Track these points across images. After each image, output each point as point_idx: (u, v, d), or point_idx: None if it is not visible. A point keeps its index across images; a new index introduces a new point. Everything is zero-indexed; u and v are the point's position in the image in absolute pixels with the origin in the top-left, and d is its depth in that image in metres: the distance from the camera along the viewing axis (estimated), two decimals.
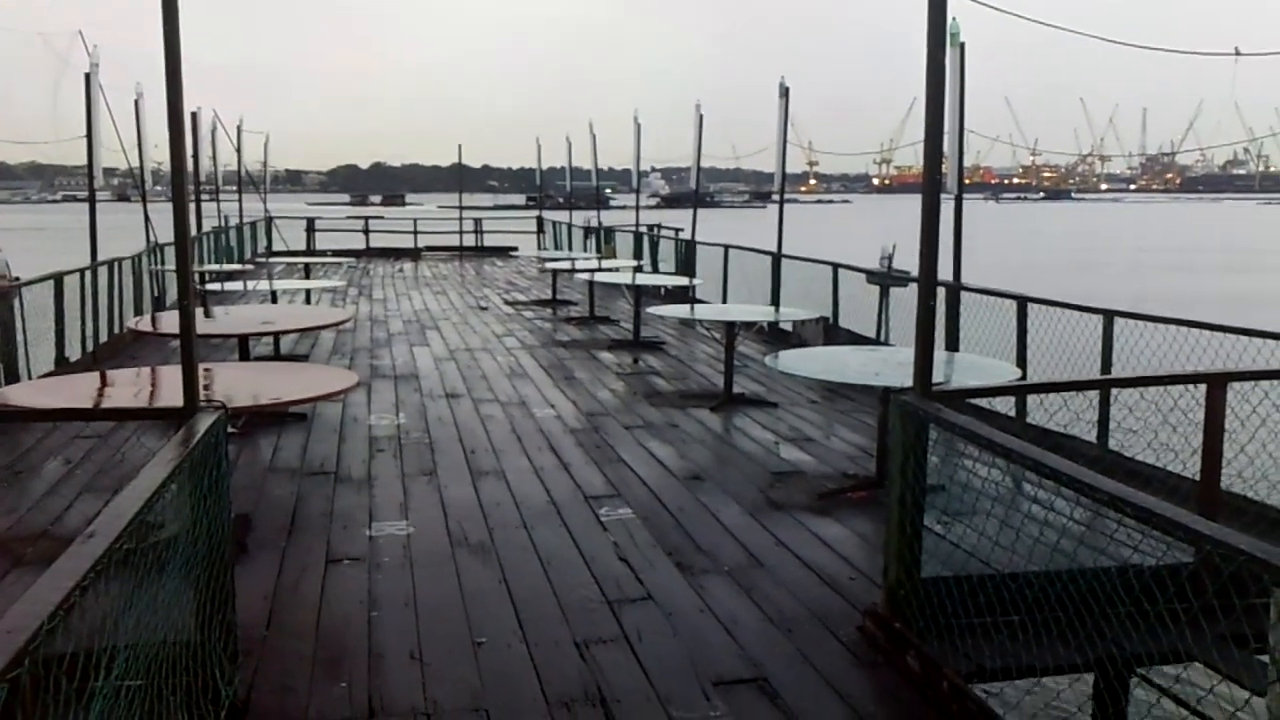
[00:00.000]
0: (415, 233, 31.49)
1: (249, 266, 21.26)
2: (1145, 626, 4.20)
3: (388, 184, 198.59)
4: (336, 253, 29.19)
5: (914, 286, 9.55)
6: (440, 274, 24.75)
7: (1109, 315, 7.75)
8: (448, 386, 10.42)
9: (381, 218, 37.27)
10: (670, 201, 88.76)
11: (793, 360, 7.81)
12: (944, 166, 9.59)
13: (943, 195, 9.48)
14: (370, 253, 30.37)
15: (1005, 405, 8.58)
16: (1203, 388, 5.21)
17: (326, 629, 4.74)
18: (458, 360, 12.00)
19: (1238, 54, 5.25)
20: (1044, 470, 3.54)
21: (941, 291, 9.52)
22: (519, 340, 13.72)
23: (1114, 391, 7.38)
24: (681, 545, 5.87)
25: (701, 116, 16.62)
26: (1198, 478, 5.34)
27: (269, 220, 29.85)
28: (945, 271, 9.53)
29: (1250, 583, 2.80)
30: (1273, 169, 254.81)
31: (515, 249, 31.79)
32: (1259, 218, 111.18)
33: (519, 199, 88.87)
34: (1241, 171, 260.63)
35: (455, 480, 7.10)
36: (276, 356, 11.75)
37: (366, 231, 31.66)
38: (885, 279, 11.30)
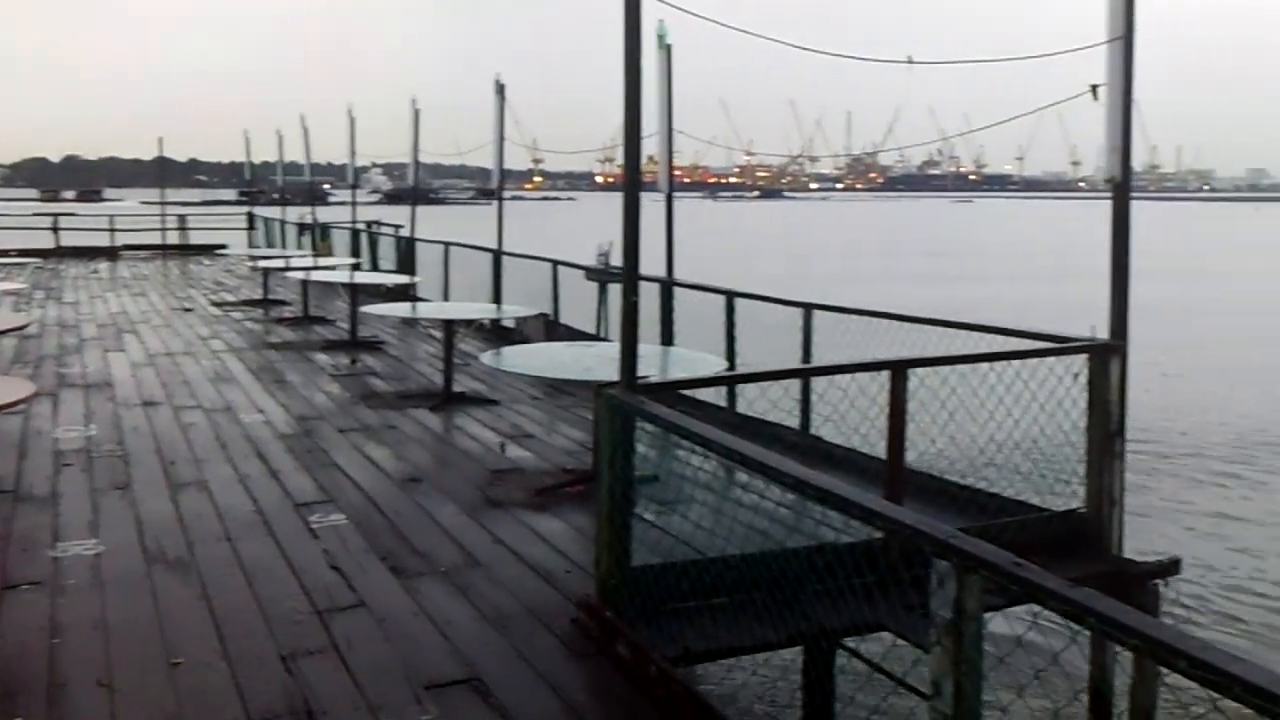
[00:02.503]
0: (113, 230, 29.34)
1: None
2: (846, 601, 4.48)
3: (83, 178, 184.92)
4: (20, 252, 26.84)
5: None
6: (140, 274, 23.23)
7: (808, 308, 8.18)
8: (145, 394, 9.78)
9: (74, 214, 34.57)
10: (393, 198, 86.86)
11: (511, 357, 7.83)
12: (653, 165, 9.86)
13: (655, 194, 9.83)
14: (61, 252, 28.05)
15: (721, 396, 8.88)
16: (887, 374, 5.58)
17: None
18: (157, 366, 11.29)
19: (910, 62, 5.67)
20: (736, 457, 3.69)
21: (656, 287, 9.85)
22: (226, 343, 13.06)
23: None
24: (396, 549, 5.76)
25: (418, 112, 16.38)
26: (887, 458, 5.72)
27: None
28: (660, 268, 9.88)
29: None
30: (964, 169, 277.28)
31: (224, 247, 30.22)
32: (951, 218, 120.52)
33: (230, 194, 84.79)
34: (936, 172, 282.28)
35: (152, 493, 6.68)
36: None
37: (56, 229, 29.22)
38: (602, 275, 11.51)
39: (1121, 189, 5.54)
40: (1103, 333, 5.66)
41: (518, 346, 9.36)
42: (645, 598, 4.54)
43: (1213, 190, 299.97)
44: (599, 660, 4.47)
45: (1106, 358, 5.61)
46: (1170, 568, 5.82)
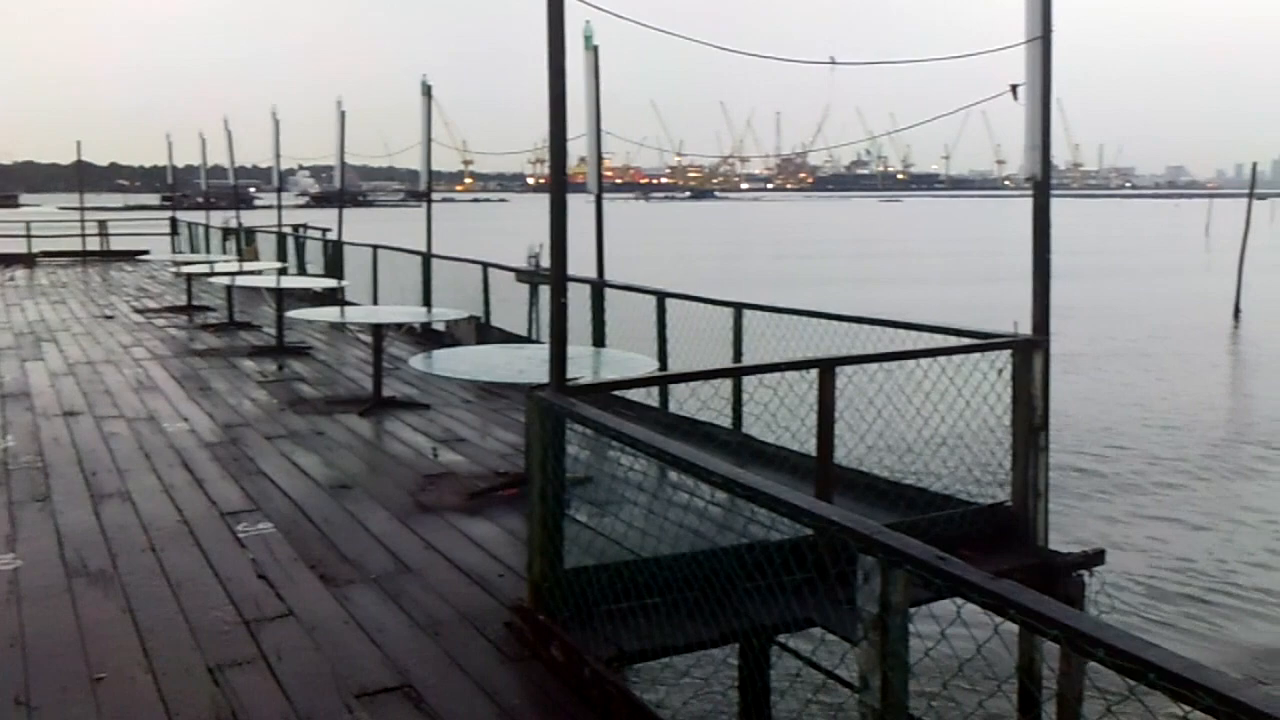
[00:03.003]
0: (29, 236, 28.61)
1: None
2: (778, 597, 4.51)
3: None
4: None
5: (570, 284, 9.80)
6: (59, 281, 22.68)
7: (738, 308, 8.23)
8: (65, 404, 9.55)
9: None
10: (320, 200, 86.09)
11: (442, 361, 7.77)
12: (582, 166, 9.86)
13: (586, 195, 9.82)
14: None
15: (654, 397, 8.90)
16: (815, 372, 5.62)
17: None
18: (78, 375, 11.03)
19: (833, 63, 5.73)
20: (666, 458, 3.70)
21: (587, 289, 9.84)
22: (149, 350, 12.79)
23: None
24: (326, 557, 5.68)
25: (344, 113, 16.15)
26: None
27: None
28: (591, 269, 9.88)
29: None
30: (892, 169, 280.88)
31: (146, 252, 29.61)
32: (880, 218, 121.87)
33: (153, 199, 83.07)
34: (865, 171, 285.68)
35: (73, 505, 6.52)
36: None
37: None
38: (533, 277, 11.47)
39: (1042, 187, 5.64)
40: (1025, 329, 5.76)
41: (449, 350, 9.29)
42: (579, 600, 4.53)
43: (1134, 187, 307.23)
44: (533, 664, 4.45)
45: (1029, 353, 5.71)
46: (1094, 558, 5.94)
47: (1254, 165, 34.55)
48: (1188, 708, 1.93)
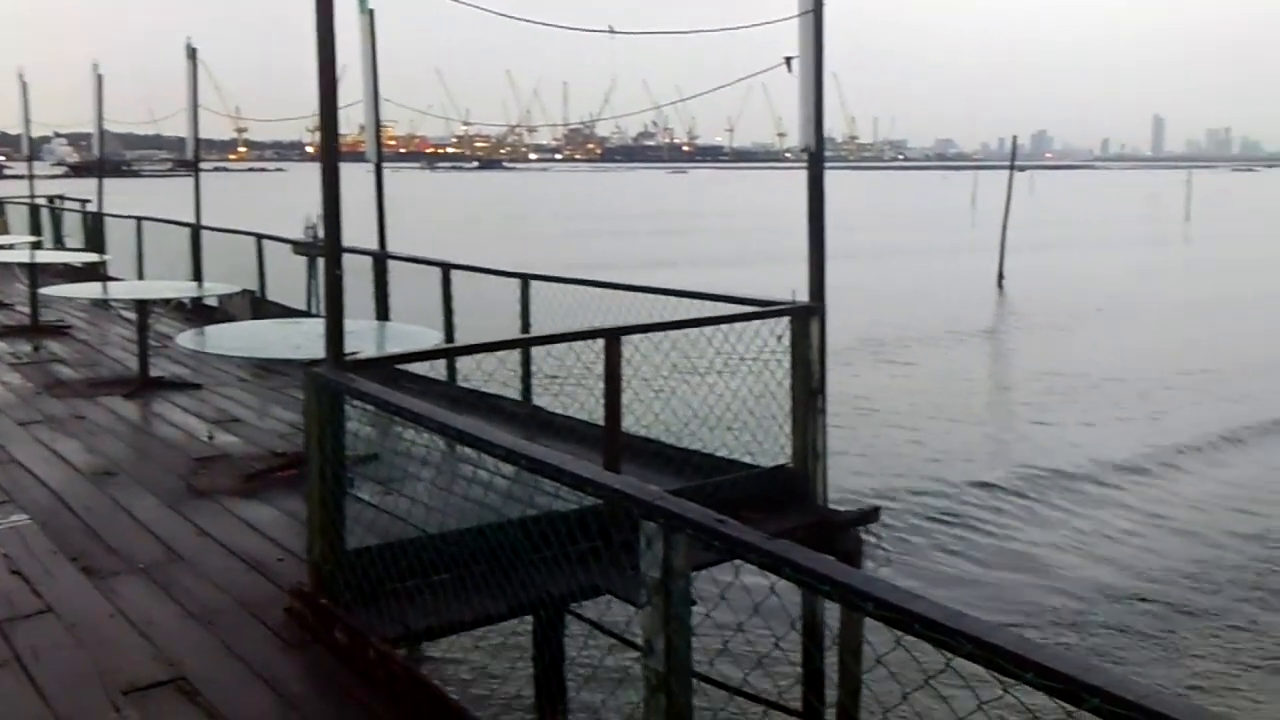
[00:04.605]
0: None
1: None
2: (570, 567, 4.50)
3: None
4: None
5: (352, 256, 9.49)
6: None
7: (525, 279, 8.16)
8: None
9: None
10: (80, 170, 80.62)
11: (214, 338, 7.42)
12: (364, 135, 9.55)
13: (366, 164, 9.53)
14: None
15: (443, 371, 8.74)
16: (601, 342, 5.64)
17: None
18: None
19: (612, 31, 5.73)
20: (450, 431, 3.62)
21: (369, 260, 9.57)
22: None
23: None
24: (89, 548, 5.33)
25: (101, 77, 15.17)
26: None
27: None
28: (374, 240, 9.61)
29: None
30: (678, 140, 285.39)
31: None
32: (667, 188, 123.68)
33: None
34: (652, 143, 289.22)
35: None
36: None
37: None
38: (311, 249, 11.06)
39: (816, 158, 5.80)
40: (803, 296, 5.93)
41: (221, 326, 8.90)
42: (363, 580, 4.40)
43: (906, 159, 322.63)
44: (315, 649, 4.30)
45: (806, 320, 5.88)
46: (870, 515, 6.22)
47: (1014, 139, 36.71)
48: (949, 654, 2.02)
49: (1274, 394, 16.16)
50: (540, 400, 7.98)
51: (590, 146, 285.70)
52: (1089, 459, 12.73)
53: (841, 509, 6.16)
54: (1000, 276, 30.32)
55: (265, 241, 12.45)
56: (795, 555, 2.33)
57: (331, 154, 4.31)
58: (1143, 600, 8.84)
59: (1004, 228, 30.59)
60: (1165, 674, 7.51)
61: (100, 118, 15.55)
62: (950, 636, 2.00)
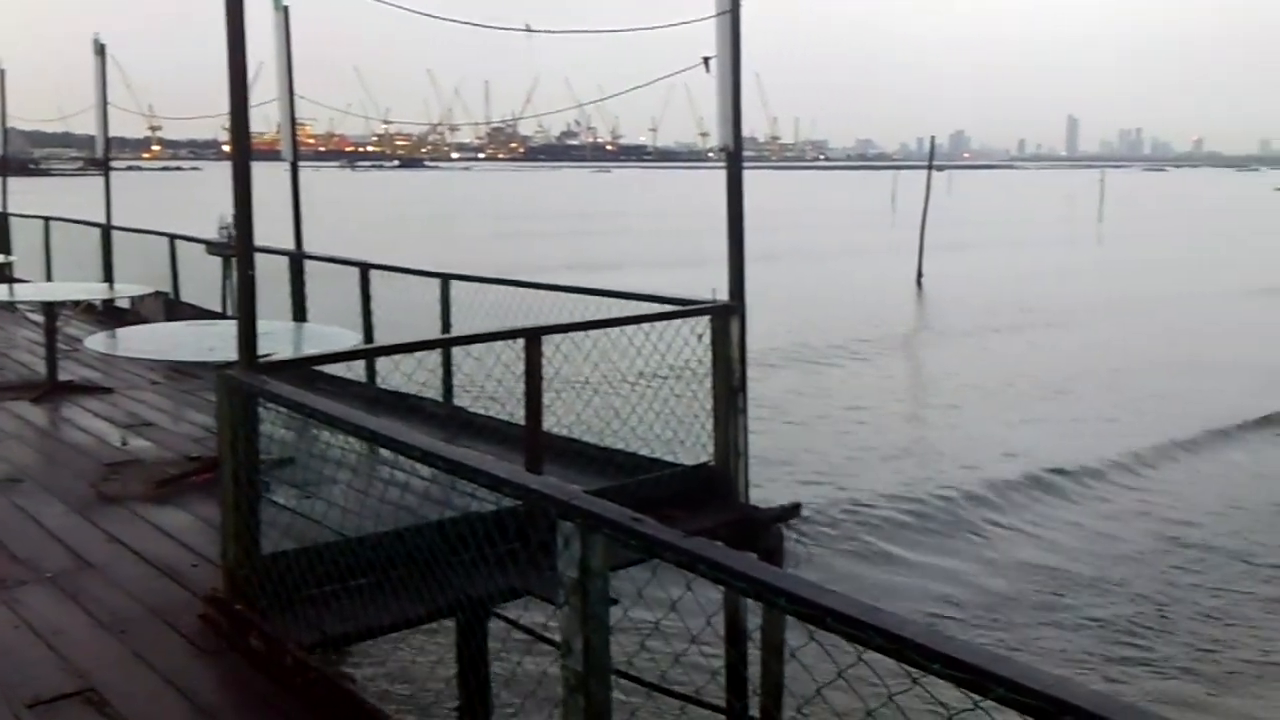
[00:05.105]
0: None
1: None
2: (494, 569, 4.48)
3: None
4: None
5: (269, 256, 9.33)
6: None
7: (445, 279, 8.09)
8: None
9: None
10: None
11: (126, 340, 7.25)
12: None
13: (283, 163, 9.37)
14: None
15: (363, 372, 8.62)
16: (521, 342, 5.61)
17: None
18: None
19: (529, 30, 5.71)
20: (364, 433, 3.58)
21: (285, 261, 9.42)
22: None
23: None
24: None
25: (3, 71, 14.76)
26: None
27: None
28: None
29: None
30: (601, 140, 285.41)
31: None
32: (593, 189, 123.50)
33: None
34: (575, 142, 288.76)
35: None
36: None
37: None
38: (225, 249, 10.84)
39: (734, 158, 5.84)
40: (723, 295, 5.97)
41: (133, 328, 8.69)
42: (278, 585, 4.33)
43: (828, 159, 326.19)
44: (230, 656, 4.22)
45: (726, 318, 5.92)
46: (791, 511, 6.28)
47: (932, 139, 37.30)
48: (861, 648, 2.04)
49: (1188, 393, 16.62)
50: (463, 401, 7.92)
51: (513, 145, 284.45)
52: (1003, 454, 13.01)
53: (763, 506, 6.20)
54: (919, 275, 30.79)
55: (179, 242, 12.18)
56: (710, 553, 2.34)
57: (243, 152, 4.23)
58: (1056, 596, 9.05)
59: (922, 227, 31.05)
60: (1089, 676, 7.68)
61: (3, 114, 15.12)
62: (861, 630, 2.02)
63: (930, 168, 33.12)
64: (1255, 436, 14.14)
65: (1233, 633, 8.27)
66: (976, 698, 1.92)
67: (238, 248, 4.36)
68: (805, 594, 2.13)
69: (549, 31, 5.53)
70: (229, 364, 4.50)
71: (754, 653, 5.61)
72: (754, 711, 5.59)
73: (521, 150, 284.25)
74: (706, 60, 5.68)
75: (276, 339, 6.44)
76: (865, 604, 2.12)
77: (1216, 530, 10.49)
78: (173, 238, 12.20)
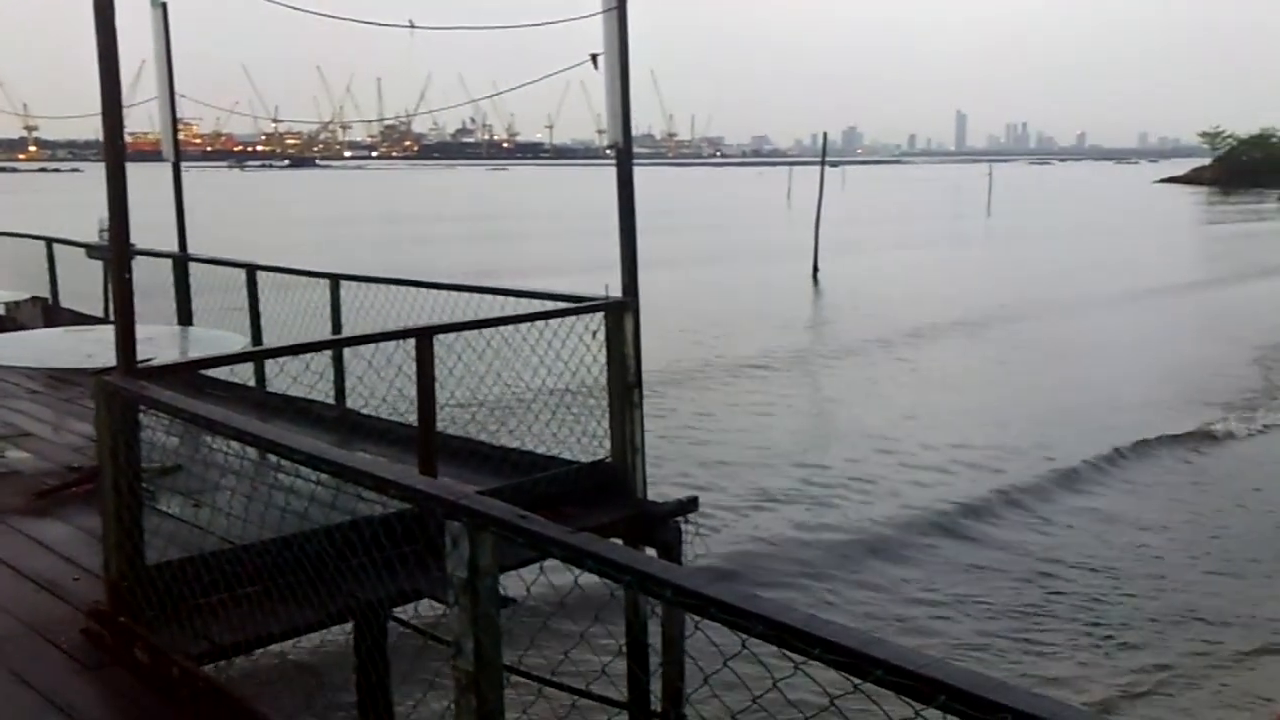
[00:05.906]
0: None
1: None
2: (387, 571, 4.42)
3: None
4: None
5: (155, 260, 9.06)
6: None
7: (334, 279, 7.97)
8: None
9: None
10: None
11: None
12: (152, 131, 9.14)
13: (162, 163, 9.11)
14: None
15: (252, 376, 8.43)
16: (413, 341, 5.55)
17: None
18: None
19: (412, 26, 5.65)
20: (247, 438, 3.51)
21: (168, 263, 9.17)
22: None
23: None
24: None
25: None
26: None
27: None
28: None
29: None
30: (498, 137, 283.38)
31: None
32: (489, 187, 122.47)
33: None
34: (470, 139, 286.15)
35: None
36: None
37: None
38: (105, 252, 10.51)
39: (624, 154, 5.85)
40: (616, 291, 5.98)
41: (9, 335, 8.36)
42: (164, 596, 4.22)
43: (724, 155, 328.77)
44: (114, 670, 4.11)
45: (621, 314, 5.93)
46: (689, 505, 6.31)
47: (825, 135, 37.78)
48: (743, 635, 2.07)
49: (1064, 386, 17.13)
50: (357, 404, 7.80)
51: (407, 143, 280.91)
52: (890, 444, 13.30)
53: (660, 500, 6.23)
54: (815, 270, 31.20)
55: (57, 245, 11.77)
56: (596, 548, 2.35)
57: (117, 153, 4.11)
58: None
59: (817, 222, 31.49)
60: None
61: None
62: (743, 618, 2.05)
63: (823, 163, 33.61)
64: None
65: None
66: (857, 680, 1.97)
67: (113, 250, 4.23)
68: (689, 585, 2.16)
69: (432, 28, 5.48)
70: (107, 370, 4.37)
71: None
72: (655, 706, 5.63)
73: (416, 148, 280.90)
74: (594, 57, 5.68)
75: (159, 344, 6.29)
76: (746, 593, 2.16)
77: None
78: (50, 241, 11.78)
